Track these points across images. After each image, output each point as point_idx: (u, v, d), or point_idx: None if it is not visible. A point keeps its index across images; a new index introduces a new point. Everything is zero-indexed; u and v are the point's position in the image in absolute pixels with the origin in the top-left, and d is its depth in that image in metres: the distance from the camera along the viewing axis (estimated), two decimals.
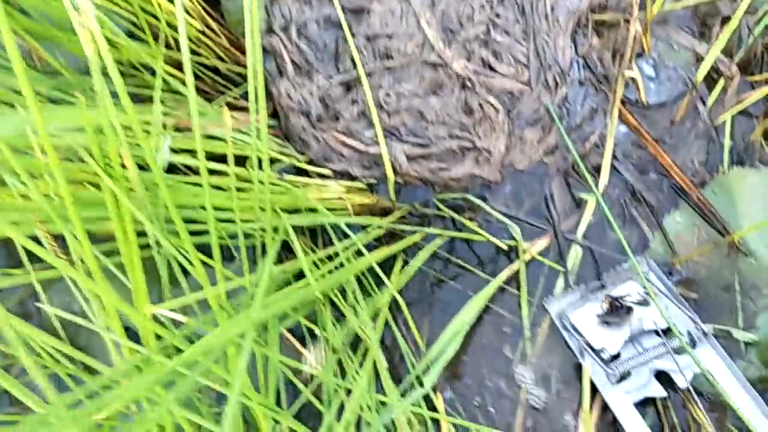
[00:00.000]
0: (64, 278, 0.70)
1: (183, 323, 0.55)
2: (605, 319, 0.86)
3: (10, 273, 0.69)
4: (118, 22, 0.90)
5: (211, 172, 0.87)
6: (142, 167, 0.63)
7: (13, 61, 0.44)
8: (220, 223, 0.70)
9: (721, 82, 1.00)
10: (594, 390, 0.85)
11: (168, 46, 0.99)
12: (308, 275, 0.65)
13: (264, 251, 0.72)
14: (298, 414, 0.74)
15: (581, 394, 0.84)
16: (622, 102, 1.00)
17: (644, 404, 0.84)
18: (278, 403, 0.82)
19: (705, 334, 0.84)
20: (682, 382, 0.83)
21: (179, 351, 0.56)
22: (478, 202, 0.96)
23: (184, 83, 0.98)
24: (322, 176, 0.98)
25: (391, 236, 0.94)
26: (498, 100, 1.00)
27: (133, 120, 0.54)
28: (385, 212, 0.96)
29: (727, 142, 0.97)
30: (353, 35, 1.05)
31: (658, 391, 0.83)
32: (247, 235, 0.77)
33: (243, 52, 1.05)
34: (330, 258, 0.87)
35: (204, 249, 0.86)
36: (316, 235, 0.93)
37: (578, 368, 0.87)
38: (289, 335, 0.89)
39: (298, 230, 0.90)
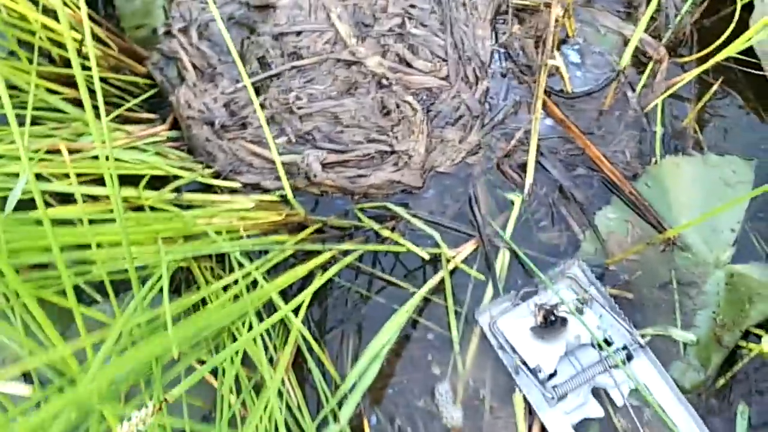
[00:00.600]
0: None
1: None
2: (540, 333, 0.80)
3: None
4: None
5: (95, 197, 0.79)
6: None
7: None
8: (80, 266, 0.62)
9: (650, 66, 0.94)
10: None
11: (52, 60, 0.91)
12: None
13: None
14: None
15: (514, 415, 0.78)
16: (547, 93, 0.94)
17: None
18: None
19: (641, 346, 0.79)
20: (619, 400, 0.78)
21: None
22: (400, 210, 0.89)
23: (71, 101, 0.90)
24: (231, 191, 0.91)
25: (307, 253, 0.87)
26: (416, 98, 0.93)
27: None
28: (300, 227, 0.89)
29: (658, 130, 0.92)
30: (259, 34, 0.98)
31: (596, 411, 0.78)
32: (140, 267, 0.70)
33: (138, 59, 0.97)
34: (237, 282, 0.80)
35: (94, 285, 0.79)
36: (223, 259, 0.85)
37: (513, 385, 0.81)
38: (197, 365, 0.82)
39: (202, 257, 0.83)
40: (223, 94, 0.94)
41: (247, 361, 0.81)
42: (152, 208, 0.76)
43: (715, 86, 0.88)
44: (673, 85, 0.92)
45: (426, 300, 0.86)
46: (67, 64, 0.92)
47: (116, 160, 0.84)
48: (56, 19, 0.86)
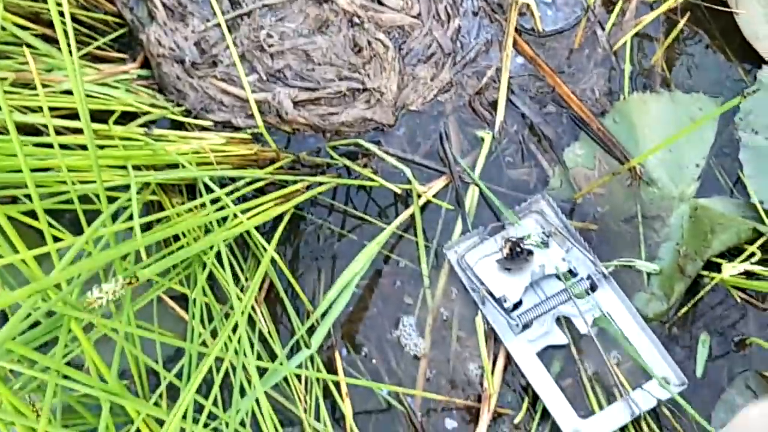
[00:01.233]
0: None
1: None
2: (506, 265, 0.82)
3: None
4: None
5: (72, 130, 0.79)
6: None
7: None
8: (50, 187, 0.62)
9: (619, 5, 0.95)
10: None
11: None
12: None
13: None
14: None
15: (479, 344, 0.80)
16: (518, 32, 0.95)
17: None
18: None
19: (605, 276, 0.81)
20: (583, 328, 0.80)
21: None
22: (372, 147, 0.90)
23: (41, 36, 0.89)
24: (202, 128, 0.91)
25: (280, 188, 0.88)
26: (388, 36, 0.93)
27: None
28: (271, 163, 0.89)
29: (627, 68, 0.93)
30: None
31: (560, 338, 0.80)
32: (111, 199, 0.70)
33: None
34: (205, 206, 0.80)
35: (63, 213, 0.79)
36: (194, 193, 0.86)
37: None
38: (170, 301, 0.83)
39: (173, 189, 0.83)
40: (194, 32, 0.93)
41: (220, 295, 0.82)
42: (123, 142, 0.76)
43: (681, 23, 0.89)
44: (641, 23, 0.93)
45: (398, 237, 0.87)
46: None
47: (87, 96, 0.83)
48: None
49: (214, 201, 0.71)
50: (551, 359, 0.80)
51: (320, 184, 0.84)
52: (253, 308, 0.79)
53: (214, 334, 0.76)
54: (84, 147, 0.69)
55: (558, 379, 0.79)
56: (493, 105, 0.92)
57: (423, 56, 0.93)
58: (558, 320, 0.81)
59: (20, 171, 0.52)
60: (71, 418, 0.65)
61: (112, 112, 0.83)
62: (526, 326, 0.80)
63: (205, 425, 0.64)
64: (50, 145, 0.64)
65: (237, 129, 0.91)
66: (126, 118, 0.86)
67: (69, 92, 0.83)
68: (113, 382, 0.53)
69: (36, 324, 0.53)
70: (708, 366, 0.80)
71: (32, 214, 0.60)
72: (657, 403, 0.75)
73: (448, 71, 0.93)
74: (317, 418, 0.77)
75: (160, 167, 0.77)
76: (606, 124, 0.90)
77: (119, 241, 0.63)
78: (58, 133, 0.76)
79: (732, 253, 0.83)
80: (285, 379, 0.78)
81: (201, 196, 0.78)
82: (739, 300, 0.82)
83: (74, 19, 0.93)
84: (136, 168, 0.71)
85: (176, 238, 0.77)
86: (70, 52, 0.52)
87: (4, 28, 0.80)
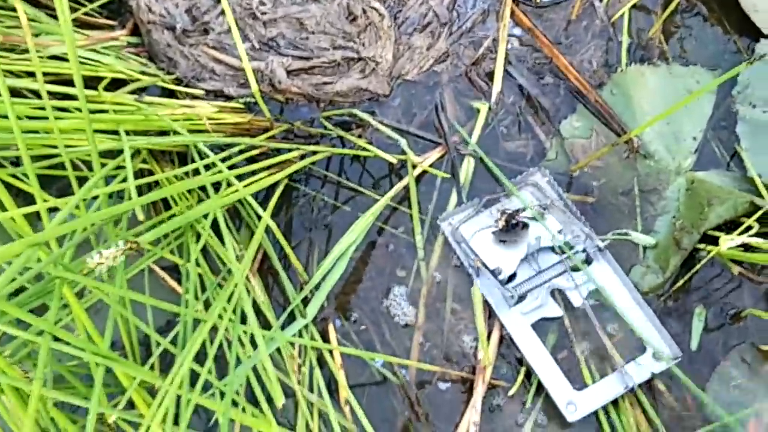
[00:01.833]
0: None
1: None
2: (501, 237, 0.81)
3: None
4: None
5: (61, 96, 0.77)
6: None
7: None
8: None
9: None
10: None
11: None
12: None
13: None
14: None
15: (474, 315, 0.79)
16: (516, 2, 0.93)
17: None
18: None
19: (600, 249, 0.81)
20: (577, 300, 0.79)
21: None
22: (366, 117, 0.89)
23: (27, 1, 0.87)
24: (193, 97, 0.89)
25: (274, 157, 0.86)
26: (383, 4, 0.91)
27: None
28: (265, 133, 0.88)
29: (624, 39, 0.92)
30: None
31: (554, 311, 0.80)
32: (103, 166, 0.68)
33: None
34: (203, 189, 0.79)
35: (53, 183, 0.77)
36: (186, 161, 0.84)
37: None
38: (161, 272, 0.82)
39: (164, 158, 0.81)
40: None
41: (212, 267, 0.80)
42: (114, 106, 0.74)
43: None
44: None
45: (393, 209, 0.86)
46: None
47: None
48: None
49: (207, 168, 0.70)
50: (546, 332, 0.80)
51: (314, 153, 0.83)
52: (247, 278, 0.78)
53: (206, 305, 0.75)
54: (75, 111, 0.67)
55: (552, 352, 0.79)
56: (490, 75, 0.90)
57: (419, 25, 0.92)
58: (553, 293, 0.81)
59: (11, 132, 0.50)
60: (63, 388, 0.64)
61: (101, 79, 0.81)
62: (521, 298, 0.79)
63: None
64: (42, 109, 0.62)
65: (229, 98, 0.90)
66: (115, 86, 0.84)
67: (56, 57, 0.80)
68: (105, 348, 0.52)
69: (23, 289, 0.52)
70: (703, 339, 0.80)
71: (21, 186, 0.58)
72: (651, 375, 0.75)
73: (445, 41, 0.92)
74: (311, 390, 0.76)
75: (152, 134, 0.76)
76: (603, 96, 0.89)
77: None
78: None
79: (728, 227, 0.82)
80: (279, 351, 0.77)
81: (194, 163, 0.76)
82: (735, 273, 0.82)
83: None
84: (128, 134, 0.70)
85: (168, 207, 0.76)
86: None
87: None
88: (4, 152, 0.60)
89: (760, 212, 0.80)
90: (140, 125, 0.70)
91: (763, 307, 0.80)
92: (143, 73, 0.86)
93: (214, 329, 0.65)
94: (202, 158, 0.72)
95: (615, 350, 0.78)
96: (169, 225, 0.55)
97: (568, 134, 0.88)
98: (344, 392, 0.77)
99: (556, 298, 0.81)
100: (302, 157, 0.84)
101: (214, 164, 0.72)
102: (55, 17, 0.87)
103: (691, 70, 0.90)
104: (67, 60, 0.80)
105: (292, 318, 0.78)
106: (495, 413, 0.78)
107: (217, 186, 0.74)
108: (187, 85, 0.89)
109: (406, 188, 0.86)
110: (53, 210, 0.63)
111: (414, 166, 0.86)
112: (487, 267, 0.79)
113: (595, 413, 0.75)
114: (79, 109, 0.64)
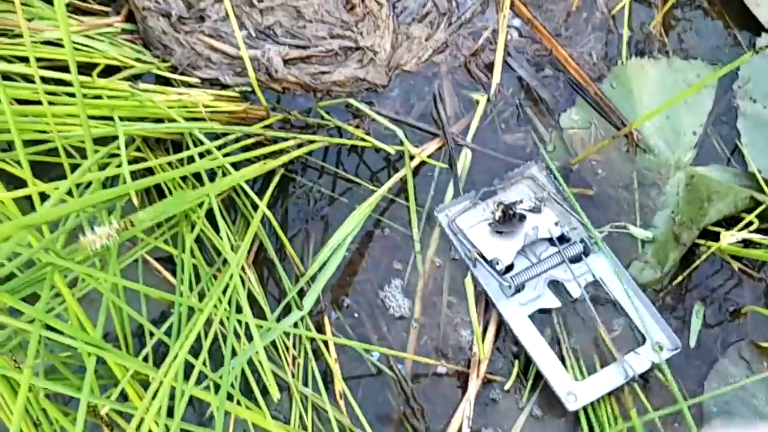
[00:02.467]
0: None
1: None
2: (498, 229, 0.80)
3: None
4: None
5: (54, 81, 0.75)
6: None
7: None
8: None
9: None
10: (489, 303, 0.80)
11: None
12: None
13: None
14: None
15: (469, 306, 0.78)
16: None
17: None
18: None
19: (596, 242, 0.80)
20: (576, 291, 0.79)
21: None
22: (364, 107, 0.87)
23: None
24: (189, 85, 0.88)
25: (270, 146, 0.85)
26: None
27: None
28: (261, 123, 0.86)
29: (625, 32, 0.91)
30: None
31: (552, 302, 0.79)
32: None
33: None
34: (198, 178, 0.77)
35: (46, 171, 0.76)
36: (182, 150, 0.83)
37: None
38: (155, 263, 0.81)
39: (159, 147, 0.80)
40: None
41: (206, 257, 0.79)
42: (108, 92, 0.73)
43: None
44: None
45: (390, 201, 0.85)
46: None
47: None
48: None
49: (202, 156, 0.69)
50: (544, 324, 0.79)
51: (311, 142, 0.82)
52: (242, 269, 0.77)
53: (201, 297, 0.74)
54: (69, 96, 0.66)
55: (550, 343, 0.78)
56: (489, 67, 0.90)
57: (418, 15, 0.91)
58: (550, 285, 0.80)
59: (2, 114, 0.49)
60: (54, 379, 0.63)
61: (95, 65, 0.80)
62: (518, 289, 0.78)
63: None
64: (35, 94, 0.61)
65: (225, 87, 0.88)
66: (109, 73, 0.83)
67: (49, 42, 0.79)
68: (97, 337, 0.51)
69: (13, 276, 0.51)
70: (702, 335, 0.79)
71: (13, 170, 0.57)
72: (651, 366, 0.74)
73: (443, 31, 0.91)
74: (305, 383, 0.76)
75: (147, 121, 0.74)
76: (603, 89, 0.88)
77: None
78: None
79: (728, 222, 0.82)
80: (273, 344, 0.76)
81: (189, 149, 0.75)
82: (736, 269, 0.81)
83: None
84: (122, 120, 0.68)
85: (163, 196, 0.75)
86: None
87: None
88: None
89: (760, 208, 0.79)
90: (135, 112, 0.69)
91: (763, 304, 0.80)
92: (138, 60, 0.85)
93: (208, 321, 0.64)
94: (197, 146, 0.71)
95: (613, 342, 0.77)
96: (164, 205, 0.54)
97: (567, 127, 0.87)
98: (339, 384, 0.76)
99: (554, 291, 0.80)
100: (299, 146, 0.83)
101: (209, 152, 0.70)
102: (48, 2, 0.85)
103: (692, 63, 0.90)
104: (60, 45, 0.78)
105: (287, 310, 0.77)
106: (490, 407, 0.77)
107: (212, 176, 0.73)
108: (182, 73, 0.88)
109: (403, 180, 0.85)
110: (46, 198, 0.62)
111: (411, 158, 0.85)
112: (484, 258, 0.79)
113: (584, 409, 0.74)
114: (73, 95, 0.62)
